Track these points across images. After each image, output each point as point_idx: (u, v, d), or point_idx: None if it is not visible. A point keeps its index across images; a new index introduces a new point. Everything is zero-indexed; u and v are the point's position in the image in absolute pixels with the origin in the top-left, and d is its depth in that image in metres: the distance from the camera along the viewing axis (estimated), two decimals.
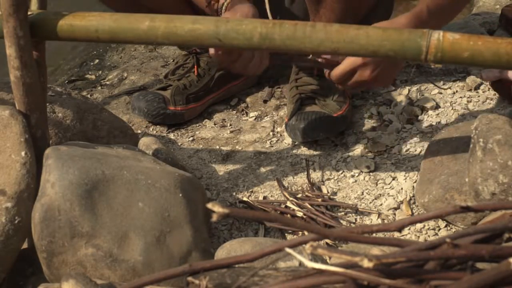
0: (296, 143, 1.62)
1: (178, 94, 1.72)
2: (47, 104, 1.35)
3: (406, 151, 1.56)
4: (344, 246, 1.29)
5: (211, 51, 1.32)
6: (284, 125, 1.64)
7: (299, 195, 1.44)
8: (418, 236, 1.33)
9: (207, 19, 1.16)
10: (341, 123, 1.60)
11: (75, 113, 1.45)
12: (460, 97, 1.69)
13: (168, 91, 1.73)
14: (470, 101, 1.67)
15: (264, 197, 1.47)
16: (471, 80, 1.72)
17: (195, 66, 1.76)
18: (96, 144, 1.32)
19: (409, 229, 1.36)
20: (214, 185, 1.53)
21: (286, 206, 1.41)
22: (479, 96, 1.68)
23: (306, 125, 1.55)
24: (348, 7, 1.52)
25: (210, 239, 1.30)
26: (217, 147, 1.66)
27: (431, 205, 1.31)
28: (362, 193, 1.45)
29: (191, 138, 1.70)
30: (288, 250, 0.72)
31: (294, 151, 1.60)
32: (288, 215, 1.39)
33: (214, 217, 0.70)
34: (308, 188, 1.46)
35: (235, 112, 1.79)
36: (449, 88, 1.72)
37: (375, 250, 1.12)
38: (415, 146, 1.56)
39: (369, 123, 1.66)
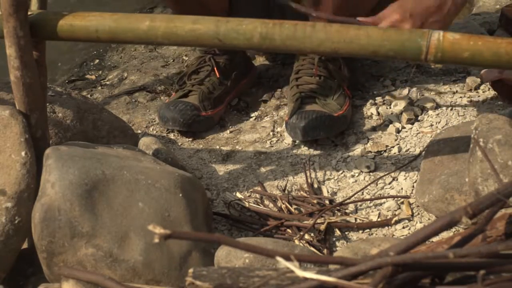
0: (296, 143, 1.62)
1: (205, 99, 1.70)
2: (47, 104, 1.35)
3: (406, 151, 1.56)
4: (344, 246, 1.29)
5: None
6: (284, 124, 1.64)
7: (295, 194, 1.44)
8: None
9: (207, 19, 1.16)
10: (341, 122, 1.60)
11: (75, 113, 1.45)
12: (460, 97, 1.69)
13: (192, 97, 1.70)
14: (470, 101, 1.67)
15: (261, 197, 1.47)
16: (471, 80, 1.72)
17: (215, 68, 1.75)
18: (96, 144, 1.32)
19: (409, 228, 1.36)
20: (214, 185, 1.53)
21: (280, 208, 1.42)
22: (479, 96, 1.68)
23: (307, 124, 1.55)
24: (344, 8, 1.53)
25: None
26: (217, 147, 1.66)
27: (431, 205, 1.31)
28: (362, 193, 1.45)
29: (191, 138, 1.70)
30: (279, 259, 0.72)
31: (294, 151, 1.60)
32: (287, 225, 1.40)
33: (156, 239, 0.72)
34: (308, 189, 1.46)
35: (235, 112, 1.79)
36: (449, 88, 1.72)
37: (375, 251, 1.13)
38: (415, 146, 1.56)
39: (369, 123, 1.66)
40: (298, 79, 1.66)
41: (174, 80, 1.87)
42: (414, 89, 1.73)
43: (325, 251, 1.31)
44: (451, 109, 1.65)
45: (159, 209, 1.17)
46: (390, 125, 1.63)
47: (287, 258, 0.73)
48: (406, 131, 1.61)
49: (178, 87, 1.76)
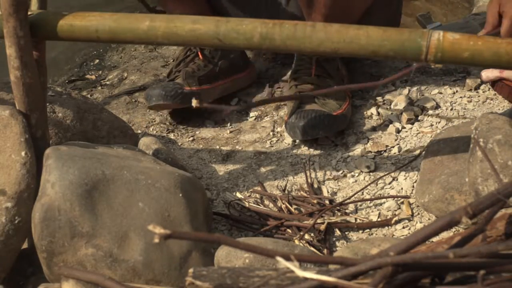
0: (296, 143, 1.62)
1: (189, 77, 1.71)
2: (47, 104, 1.35)
3: (406, 151, 1.56)
4: (344, 246, 1.29)
5: None
6: (284, 124, 1.64)
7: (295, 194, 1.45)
8: None
9: (207, 19, 1.16)
10: (341, 122, 1.60)
11: (75, 113, 1.45)
12: (460, 97, 1.69)
13: (177, 79, 1.73)
14: (470, 101, 1.67)
15: (261, 197, 1.47)
16: (471, 80, 1.72)
17: (199, 52, 1.76)
18: (96, 144, 1.32)
19: (409, 228, 1.36)
20: (214, 185, 1.53)
21: (280, 209, 1.42)
22: (479, 96, 1.68)
23: (306, 123, 1.55)
24: (337, 12, 1.54)
25: None
26: (217, 147, 1.66)
27: (431, 205, 1.31)
28: (362, 193, 1.45)
29: (191, 138, 1.70)
30: (279, 259, 0.72)
31: (294, 151, 1.60)
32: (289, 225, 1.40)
33: (156, 239, 0.72)
34: (308, 189, 1.47)
35: (235, 112, 1.79)
36: (449, 88, 1.72)
37: (375, 251, 1.13)
38: (415, 146, 1.56)
39: (369, 123, 1.66)
40: (296, 79, 1.66)
41: None
42: (414, 89, 1.73)
43: (325, 251, 1.31)
44: (451, 109, 1.65)
45: (159, 209, 1.17)
46: (390, 125, 1.63)
47: (287, 258, 0.73)
48: (406, 131, 1.61)
49: (168, 79, 1.78)
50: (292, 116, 1.58)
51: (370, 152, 1.56)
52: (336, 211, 1.40)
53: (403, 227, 1.36)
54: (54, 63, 2.22)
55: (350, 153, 1.57)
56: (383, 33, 1.10)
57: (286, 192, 1.48)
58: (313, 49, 1.13)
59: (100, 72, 2.16)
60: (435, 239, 1.08)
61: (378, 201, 1.43)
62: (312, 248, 1.29)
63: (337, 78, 1.66)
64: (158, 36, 1.17)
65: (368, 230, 1.37)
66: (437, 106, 1.67)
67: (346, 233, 1.37)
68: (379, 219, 1.39)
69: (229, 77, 1.80)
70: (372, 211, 1.42)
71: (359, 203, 1.44)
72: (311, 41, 1.12)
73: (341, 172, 1.52)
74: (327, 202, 1.43)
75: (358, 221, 1.38)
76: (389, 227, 1.37)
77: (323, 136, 1.59)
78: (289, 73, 1.75)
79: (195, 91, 1.70)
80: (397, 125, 1.63)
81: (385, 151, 1.56)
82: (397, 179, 1.48)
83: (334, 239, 1.36)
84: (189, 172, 1.37)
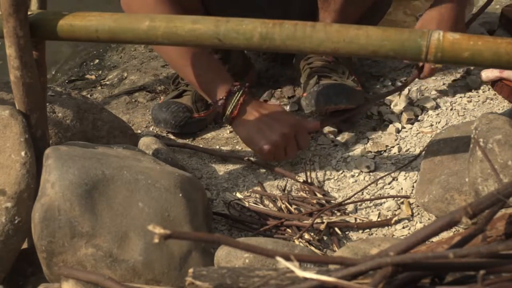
0: None
1: (199, 100, 1.69)
2: (47, 104, 1.35)
3: (406, 151, 1.56)
4: (344, 247, 1.29)
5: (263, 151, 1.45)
6: (301, 99, 1.63)
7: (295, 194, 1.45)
8: None
9: (207, 19, 1.16)
10: (361, 97, 1.60)
11: (75, 113, 1.45)
12: (460, 97, 1.69)
13: (185, 97, 1.70)
14: (470, 101, 1.67)
15: (261, 197, 1.47)
16: (471, 80, 1.72)
17: None
18: (96, 144, 1.32)
19: (409, 228, 1.36)
20: (214, 185, 1.52)
21: (280, 208, 1.42)
22: (479, 96, 1.68)
23: (330, 90, 1.54)
24: (350, 3, 1.54)
25: None
26: (217, 147, 1.66)
27: (431, 205, 1.31)
28: (362, 193, 1.45)
29: (191, 138, 1.70)
30: (279, 259, 0.73)
31: None
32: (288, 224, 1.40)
33: (156, 239, 0.72)
34: (307, 189, 1.47)
35: None
36: (449, 88, 1.72)
37: (375, 251, 1.13)
38: (415, 146, 1.56)
39: (369, 123, 1.66)
40: (310, 63, 1.66)
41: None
42: (414, 89, 1.73)
43: (325, 251, 1.31)
44: (451, 109, 1.65)
45: (159, 209, 1.17)
46: (390, 125, 1.63)
47: (287, 258, 0.73)
48: (406, 131, 1.61)
49: (174, 87, 1.76)
50: (314, 86, 1.59)
51: (370, 152, 1.56)
52: (336, 211, 1.40)
53: (403, 227, 1.36)
54: (54, 63, 2.22)
55: (350, 153, 1.57)
56: (383, 33, 1.10)
57: (286, 192, 1.48)
58: (313, 49, 1.13)
59: (100, 72, 2.17)
60: (435, 239, 1.08)
61: (378, 201, 1.43)
62: (312, 248, 1.29)
63: (350, 67, 1.67)
64: (158, 36, 1.17)
65: (368, 230, 1.37)
66: (437, 106, 1.67)
67: (346, 233, 1.37)
68: (379, 219, 1.39)
69: None
70: (372, 211, 1.42)
71: (359, 203, 1.44)
72: (311, 41, 1.12)
73: (341, 172, 1.52)
74: (323, 201, 1.43)
75: (358, 221, 1.38)
76: (389, 227, 1.37)
77: (345, 106, 1.57)
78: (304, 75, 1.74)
79: (202, 117, 1.69)
80: (397, 125, 1.63)
81: (385, 151, 1.56)
82: (397, 179, 1.48)
83: (334, 239, 1.36)
84: (189, 172, 1.37)
